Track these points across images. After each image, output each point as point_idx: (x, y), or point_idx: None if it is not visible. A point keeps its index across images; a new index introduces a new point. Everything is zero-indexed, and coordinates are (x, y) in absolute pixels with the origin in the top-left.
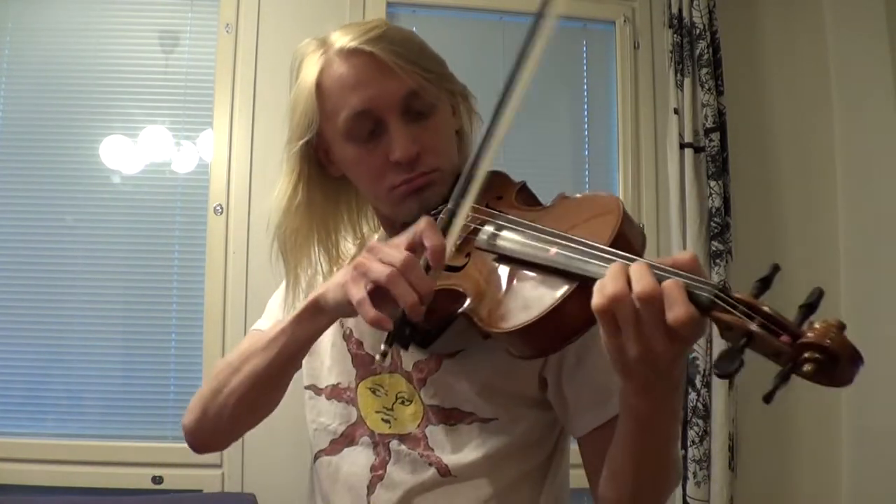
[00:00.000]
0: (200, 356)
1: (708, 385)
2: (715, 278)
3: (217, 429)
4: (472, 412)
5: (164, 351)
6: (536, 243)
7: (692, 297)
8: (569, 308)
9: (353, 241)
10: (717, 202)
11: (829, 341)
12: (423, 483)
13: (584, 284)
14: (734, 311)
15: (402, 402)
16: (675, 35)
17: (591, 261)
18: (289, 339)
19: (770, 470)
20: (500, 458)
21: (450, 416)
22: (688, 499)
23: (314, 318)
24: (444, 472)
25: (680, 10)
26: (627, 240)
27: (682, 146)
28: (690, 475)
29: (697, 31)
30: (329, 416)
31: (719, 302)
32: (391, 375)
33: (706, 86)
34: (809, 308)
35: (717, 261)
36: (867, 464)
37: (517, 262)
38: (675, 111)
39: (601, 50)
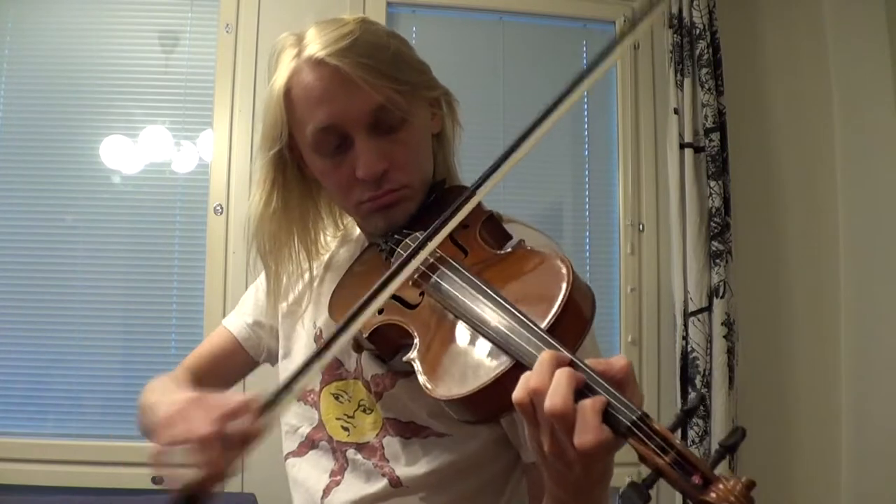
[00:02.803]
0: None
1: (708, 385)
2: (715, 278)
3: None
4: (427, 426)
5: (164, 351)
6: (481, 309)
7: (609, 418)
8: (501, 386)
9: (333, 234)
10: (717, 202)
11: None
12: (374, 493)
13: (518, 364)
14: (650, 443)
15: (364, 411)
16: (675, 35)
17: (527, 346)
18: (146, 417)
19: (770, 470)
20: (454, 472)
21: (406, 429)
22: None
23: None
24: (396, 484)
25: (680, 10)
26: (577, 308)
27: (682, 146)
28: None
29: (697, 31)
30: (296, 418)
31: (636, 431)
32: (355, 382)
33: (706, 86)
34: (728, 450)
35: (717, 261)
36: (867, 464)
37: (464, 321)
38: (675, 111)
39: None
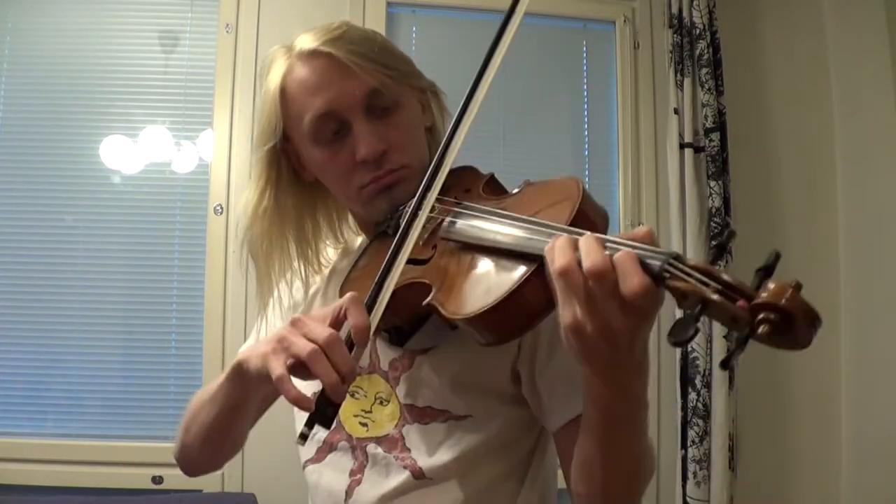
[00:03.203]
0: (200, 356)
1: (708, 385)
2: None
3: (196, 460)
4: (445, 409)
5: (164, 351)
6: (497, 228)
7: (645, 266)
8: (528, 290)
9: (334, 246)
10: (717, 202)
11: (784, 301)
12: (397, 487)
13: (543, 265)
14: (689, 279)
15: (381, 403)
16: (675, 35)
17: (550, 240)
18: (224, 399)
19: (770, 470)
20: (475, 458)
21: (424, 415)
22: (688, 499)
23: (241, 383)
24: (419, 475)
25: (680, 10)
26: (589, 219)
27: (682, 146)
28: (690, 475)
29: (697, 31)
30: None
31: (673, 269)
32: (370, 376)
33: (706, 86)
34: (766, 271)
35: (718, 261)
36: (867, 464)
37: (480, 249)
38: (675, 111)
39: (601, 50)
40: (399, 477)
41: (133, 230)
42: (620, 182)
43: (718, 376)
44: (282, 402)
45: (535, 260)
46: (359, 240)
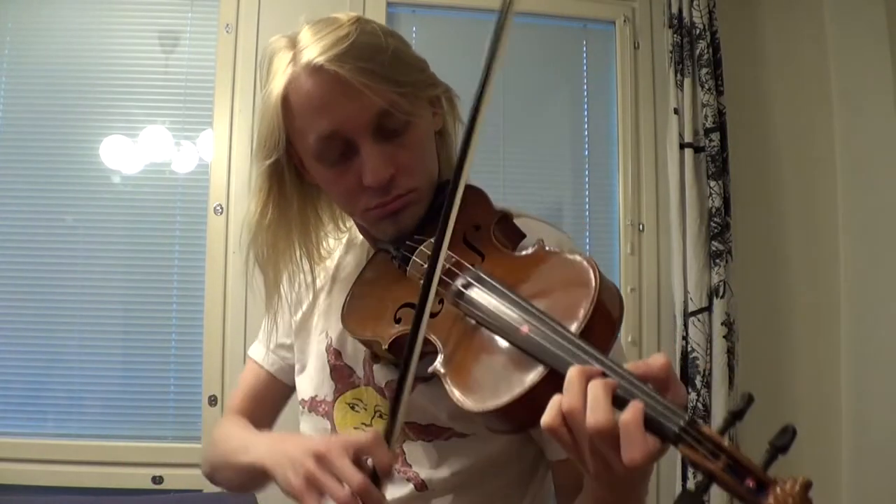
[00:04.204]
0: (200, 356)
1: (708, 385)
2: (715, 278)
3: (229, 491)
4: (449, 427)
5: (164, 351)
6: (509, 316)
7: (656, 427)
8: (537, 395)
9: (335, 236)
10: (717, 202)
11: None
12: (399, 498)
13: (553, 372)
14: (700, 448)
15: (380, 416)
16: (675, 35)
17: (560, 352)
18: (245, 480)
19: (770, 470)
20: (477, 472)
21: (426, 432)
22: None
23: (264, 482)
24: (420, 487)
25: (680, 10)
26: (606, 310)
27: (682, 146)
28: (690, 475)
29: (697, 31)
30: (310, 429)
31: (685, 437)
32: (366, 388)
33: (706, 86)
34: (779, 450)
35: (717, 261)
36: (867, 464)
37: (489, 329)
38: (675, 111)
39: (601, 50)
40: (403, 489)
41: (133, 230)
42: (620, 182)
43: (718, 376)
44: (287, 408)
45: (545, 365)
46: (359, 238)
